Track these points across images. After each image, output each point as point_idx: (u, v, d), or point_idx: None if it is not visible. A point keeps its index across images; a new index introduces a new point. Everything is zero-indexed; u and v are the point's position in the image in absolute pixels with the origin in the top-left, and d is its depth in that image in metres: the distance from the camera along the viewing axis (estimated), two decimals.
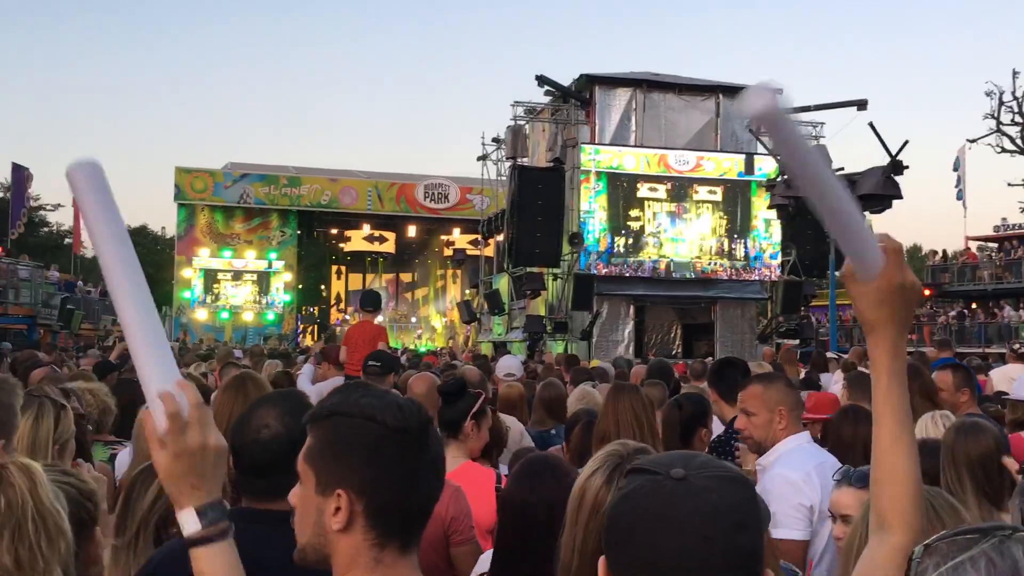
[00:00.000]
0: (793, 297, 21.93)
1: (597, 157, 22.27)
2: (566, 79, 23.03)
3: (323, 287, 46.85)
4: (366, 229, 41.44)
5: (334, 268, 47.55)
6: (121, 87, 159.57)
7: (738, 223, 23.12)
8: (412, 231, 40.01)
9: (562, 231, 21.95)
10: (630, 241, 22.53)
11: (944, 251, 34.90)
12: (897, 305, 1.38)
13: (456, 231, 37.36)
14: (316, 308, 42.59)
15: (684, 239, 22.84)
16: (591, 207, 22.14)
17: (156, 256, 50.42)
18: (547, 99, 23.70)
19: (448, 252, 34.59)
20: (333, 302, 47.29)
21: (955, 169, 35.75)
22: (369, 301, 9.00)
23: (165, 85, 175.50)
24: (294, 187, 36.21)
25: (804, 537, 3.01)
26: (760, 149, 22.08)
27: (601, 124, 22.77)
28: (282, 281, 37.05)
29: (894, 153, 17.47)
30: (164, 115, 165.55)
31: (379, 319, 11.21)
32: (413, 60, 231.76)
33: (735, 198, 23.09)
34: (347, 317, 42.93)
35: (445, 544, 2.96)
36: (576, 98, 22.88)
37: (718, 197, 23.05)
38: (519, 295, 23.39)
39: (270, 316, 36.73)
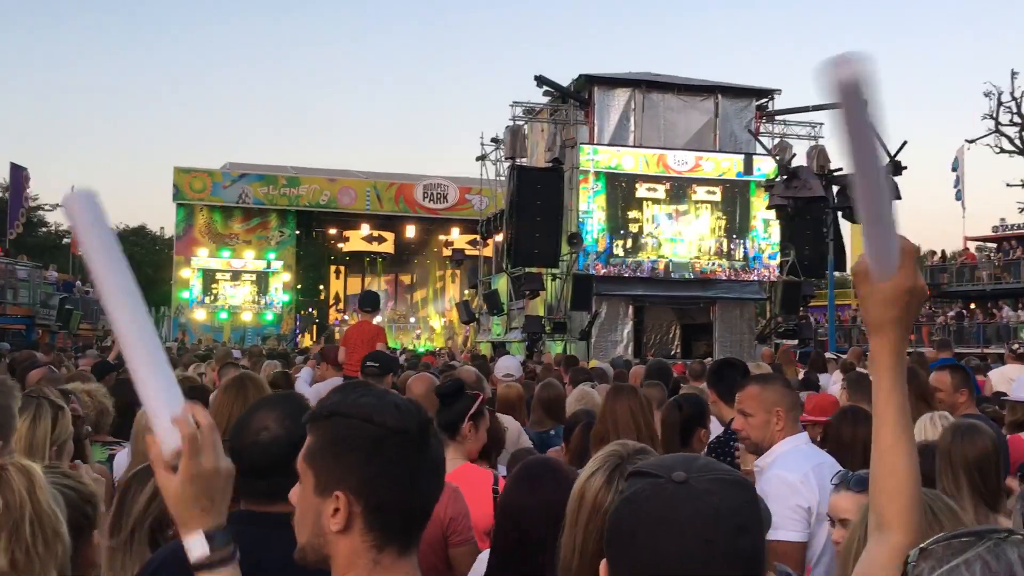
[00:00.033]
0: (792, 297, 21.90)
1: (596, 157, 22.26)
2: (565, 79, 23.08)
3: (322, 287, 46.87)
4: (365, 229, 41.37)
5: (333, 268, 47.54)
6: (120, 87, 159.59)
7: (737, 223, 23.11)
8: (411, 231, 39.94)
9: (561, 231, 21.94)
10: (629, 241, 22.52)
11: (943, 251, 34.96)
12: (905, 307, 1.38)
13: (455, 231, 37.31)
14: (315, 309, 42.55)
15: (683, 239, 22.83)
16: (590, 207, 22.13)
17: (155, 256, 50.25)
18: (546, 99, 23.68)
19: (447, 252, 34.51)
20: (332, 302, 47.28)
21: (954, 169, 35.78)
22: (368, 301, 8.99)
23: (164, 85, 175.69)
24: (293, 187, 36.16)
25: (802, 539, 3.00)
26: (759, 149, 22.11)
27: (600, 124, 22.76)
28: (281, 281, 37.00)
29: (893, 153, 17.50)
30: (163, 115, 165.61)
31: (378, 319, 11.20)
32: (413, 60, 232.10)
33: (734, 198, 23.09)
34: (346, 317, 42.91)
35: (444, 545, 2.96)
36: (575, 98, 22.88)
37: (717, 197, 23.04)
38: (518, 295, 23.35)
39: (269, 316, 36.68)
